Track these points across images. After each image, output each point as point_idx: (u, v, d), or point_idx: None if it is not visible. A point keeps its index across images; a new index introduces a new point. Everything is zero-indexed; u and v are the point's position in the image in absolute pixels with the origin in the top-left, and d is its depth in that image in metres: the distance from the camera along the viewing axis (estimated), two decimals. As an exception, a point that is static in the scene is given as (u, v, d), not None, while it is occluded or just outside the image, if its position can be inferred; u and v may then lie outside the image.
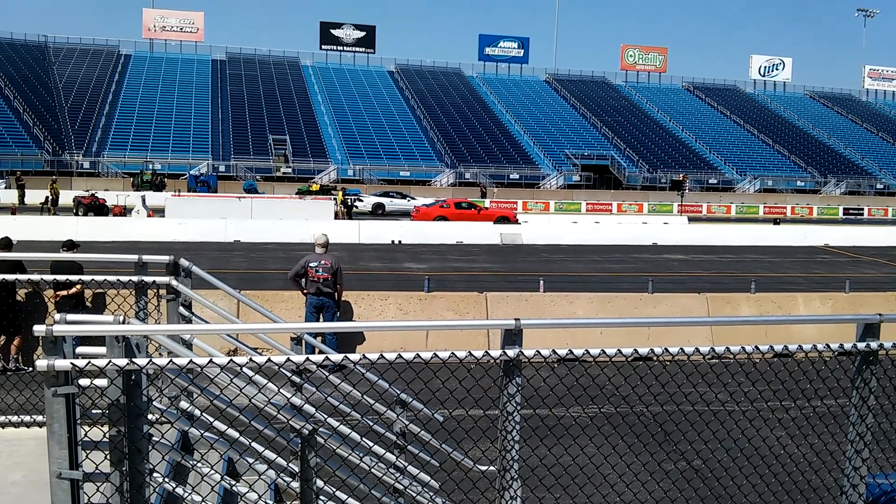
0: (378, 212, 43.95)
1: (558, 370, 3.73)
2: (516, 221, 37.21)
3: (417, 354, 3.22)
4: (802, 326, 10.20)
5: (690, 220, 44.84)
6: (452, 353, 3.26)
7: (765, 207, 59.23)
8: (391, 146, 64.96)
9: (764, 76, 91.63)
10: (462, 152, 64.75)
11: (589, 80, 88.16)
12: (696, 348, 3.50)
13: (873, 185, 70.08)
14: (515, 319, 3.35)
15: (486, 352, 3.30)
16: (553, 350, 3.37)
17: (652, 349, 3.47)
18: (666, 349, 3.45)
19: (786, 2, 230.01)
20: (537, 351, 3.33)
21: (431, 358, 3.22)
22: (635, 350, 3.45)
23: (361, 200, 44.68)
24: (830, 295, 14.39)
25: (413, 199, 46.17)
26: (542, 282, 13.49)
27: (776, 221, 44.79)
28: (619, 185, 64.53)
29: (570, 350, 3.39)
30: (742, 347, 3.56)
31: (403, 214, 42.12)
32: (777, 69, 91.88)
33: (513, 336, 3.36)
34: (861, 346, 3.72)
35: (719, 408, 6.49)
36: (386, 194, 46.98)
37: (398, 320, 11.62)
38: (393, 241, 28.42)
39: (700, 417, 4.21)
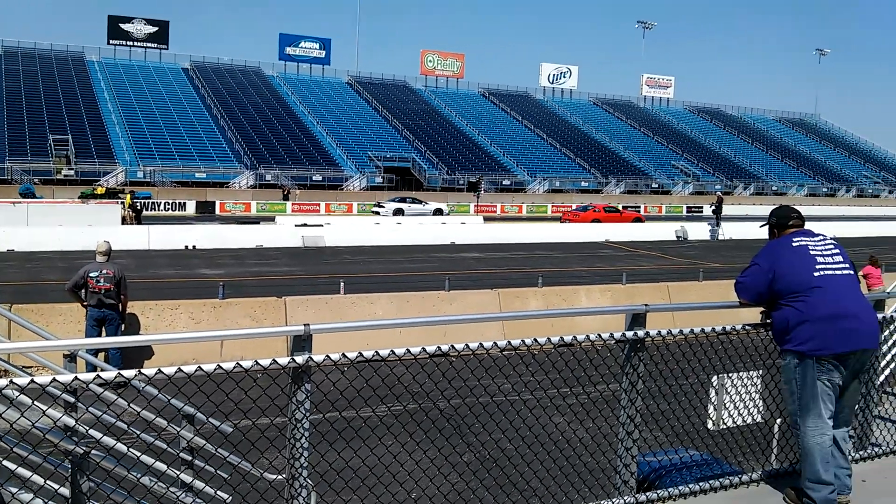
0: (399, 215, 46.77)
1: (351, 372, 3.73)
2: (643, 220, 44.86)
3: (199, 367, 3.11)
4: (586, 317, 10.94)
5: (486, 219, 46.57)
6: (237, 363, 3.18)
7: (553, 206, 62.62)
8: (186, 147, 62.06)
9: (552, 83, 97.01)
10: (262, 153, 63.17)
11: (390, 84, 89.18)
12: (480, 344, 3.64)
13: (649, 185, 76.34)
14: (304, 325, 3.33)
15: (273, 360, 3.25)
16: (343, 353, 3.37)
17: (439, 347, 3.57)
18: (453, 346, 3.56)
19: (573, 13, 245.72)
20: (327, 355, 3.33)
21: (215, 370, 3.12)
22: (423, 349, 3.53)
23: (383, 206, 48.71)
24: (609, 287, 15.52)
25: (427, 203, 51.83)
26: (342, 284, 13.48)
27: (562, 220, 47.53)
28: (420, 187, 65.81)
29: (360, 353, 3.41)
30: (522, 341, 3.75)
31: (421, 216, 46.07)
32: (564, 77, 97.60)
33: (302, 342, 3.34)
34: (629, 334, 4.04)
35: (505, 398, 6.80)
36: (403, 200, 51.64)
37: (188, 331, 11.11)
38: (187, 247, 27.21)
39: (485, 410, 4.39)
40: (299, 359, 3.30)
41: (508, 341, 3.75)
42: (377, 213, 48.14)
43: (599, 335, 3.97)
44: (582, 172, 76.02)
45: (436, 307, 12.47)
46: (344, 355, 3.38)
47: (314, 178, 61.96)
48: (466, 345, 3.62)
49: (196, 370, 3.07)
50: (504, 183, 69.24)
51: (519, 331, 11.18)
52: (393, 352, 3.48)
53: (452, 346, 3.59)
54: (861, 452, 4.86)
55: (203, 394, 3.20)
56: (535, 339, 3.82)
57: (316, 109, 75.71)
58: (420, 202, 52.32)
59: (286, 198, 54.22)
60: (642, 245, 33.21)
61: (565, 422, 4.54)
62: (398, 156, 69.01)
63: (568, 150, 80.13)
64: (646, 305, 4.13)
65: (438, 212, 51.39)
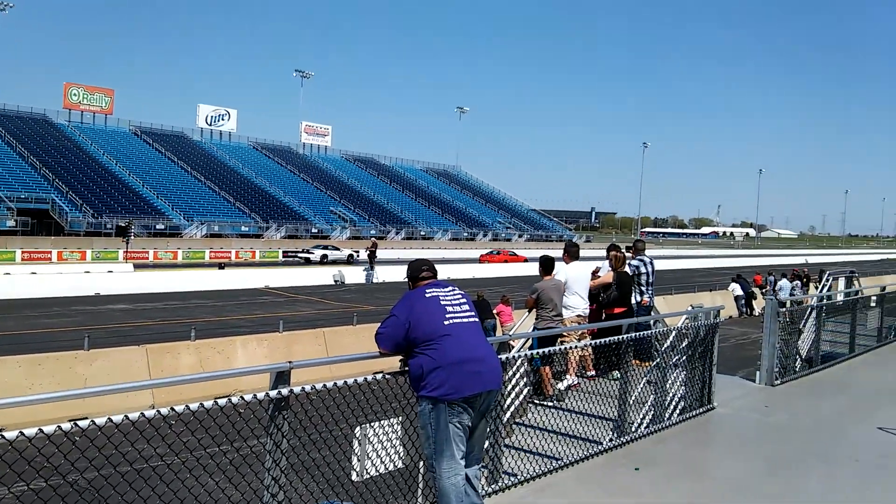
0: (324, 260, 56.50)
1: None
2: (526, 260, 55.35)
3: None
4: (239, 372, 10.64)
5: (136, 266, 43.79)
6: None
7: (211, 252, 60.66)
8: None
9: (211, 125, 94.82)
10: None
11: (27, 117, 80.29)
12: (125, 416, 3.35)
13: (309, 230, 77.61)
14: None
15: None
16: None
17: (75, 422, 3.23)
18: (90, 421, 3.23)
19: (231, 57, 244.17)
20: None
21: None
22: (40, 429, 3.16)
23: (311, 252, 58.63)
24: (266, 336, 15.29)
25: (342, 250, 61.09)
26: (-44, 347, 11.63)
27: (221, 266, 46.27)
28: (62, 231, 59.79)
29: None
30: (187, 406, 3.52)
31: (339, 262, 54.63)
32: (223, 119, 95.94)
33: None
34: (273, 393, 3.99)
35: (159, 462, 6.31)
36: (325, 247, 61.26)
37: None
38: None
39: (139, 476, 4.02)
40: None
41: (157, 410, 3.52)
42: (307, 259, 57.09)
43: (242, 397, 3.89)
44: (242, 217, 74.99)
45: (73, 369, 11.28)
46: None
47: (-73, 221, 53.23)
48: (103, 418, 3.33)
49: None
50: (158, 227, 65.68)
51: (171, 393, 10.50)
52: (2, 435, 3.08)
53: (93, 422, 3.28)
54: (493, 486, 5.31)
55: None
56: (172, 409, 3.63)
57: (-70, 142, 65.36)
58: (337, 248, 61.67)
59: None
60: (302, 290, 33.52)
61: (215, 484, 4.34)
62: (35, 196, 62.02)
63: (227, 193, 78.61)
64: (289, 363, 4.14)
65: (350, 257, 58.80)
